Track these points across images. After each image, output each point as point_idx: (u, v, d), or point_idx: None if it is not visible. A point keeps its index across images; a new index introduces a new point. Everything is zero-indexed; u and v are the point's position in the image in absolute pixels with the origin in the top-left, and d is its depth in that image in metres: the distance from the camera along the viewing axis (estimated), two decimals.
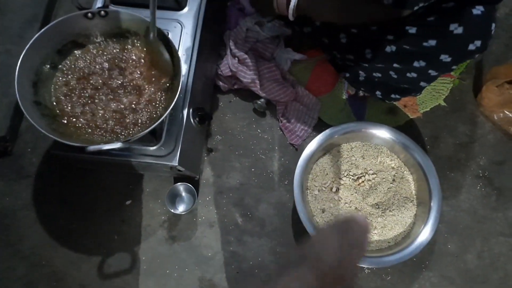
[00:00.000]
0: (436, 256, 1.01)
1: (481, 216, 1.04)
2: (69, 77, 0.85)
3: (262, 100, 1.11)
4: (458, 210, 1.05)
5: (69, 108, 0.83)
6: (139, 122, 0.84)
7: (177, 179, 1.04)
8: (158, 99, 0.86)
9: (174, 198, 1.00)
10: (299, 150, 1.09)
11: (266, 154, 1.10)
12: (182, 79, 0.82)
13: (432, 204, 0.95)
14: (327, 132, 1.01)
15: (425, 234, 0.92)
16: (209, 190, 1.05)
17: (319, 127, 1.09)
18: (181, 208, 1.00)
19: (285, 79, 1.13)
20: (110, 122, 0.83)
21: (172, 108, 0.79)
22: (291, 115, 1.12)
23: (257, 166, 1.08)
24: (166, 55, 0.84)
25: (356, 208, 1.00)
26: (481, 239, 1.02)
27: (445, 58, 0.80)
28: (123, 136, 0.81)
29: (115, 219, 1.03)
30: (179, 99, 0.93)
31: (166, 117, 0.84)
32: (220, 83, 1.13)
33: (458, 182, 1.08)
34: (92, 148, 0.72)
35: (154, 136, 0.90)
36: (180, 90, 0.81)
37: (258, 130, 1.12)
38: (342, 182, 1.02)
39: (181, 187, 0.99)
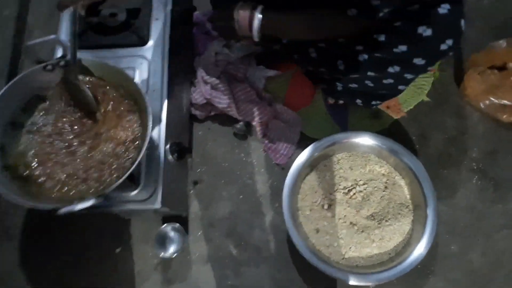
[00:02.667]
0: (439, 260, 0.99)
1: (480, 211, 1.02)
2: (36, 136, 0.83)
3: (241, 123, 1.10)
4: (456, 208, 1.03)
5: (40, 167, 0.81)
6: (114, 170, 0.82)
7: (166, 218, 1.02)
8: (131, 142, 0.84)
9: (163, 239, 0.98)
10: (286, 169, 1.07)
11: (252, 178, 1.08)
12: (151, 116, 0.79)
13: (428, 210, 0.93)
14: (310, 147, 1.00)
15: (422, 245, 0.90)
16: (199, 224, 1.04)
17: (303, 142, 1.08)
18: (171, 249, 0.98)
19: (261, 98, 1.12)
20: (83, 175, 0.81)
21: (147, 148, 0.77)
22: (273, 134, 1.10)
23: (245, 192, 1.07)
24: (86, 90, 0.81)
25: (351, 222, 0.98)
26: (483, 235, 1.00)
27: (418, 61, 0.79)
28: (98, 189, 0.79)
29: (107, 267, 1.01)
30: (153, 138, 0.91)
31: (141, 159, 0.82)
32: (196, 112, 1.11)
33: (452, 179, 1.06)
34: (63, 211, 0.70)
35: (132, 181, 0.88)
36: (154, 127, 0.79)
37: (242, 154, 1.10)
38: (333, 197, 1.00)
39: (168, 227, 0.97)
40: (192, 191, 1.07)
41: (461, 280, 0.97)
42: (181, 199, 1.03)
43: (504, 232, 1.00)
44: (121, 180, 0.74)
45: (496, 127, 1.11)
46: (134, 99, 0.85)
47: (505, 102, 1.10)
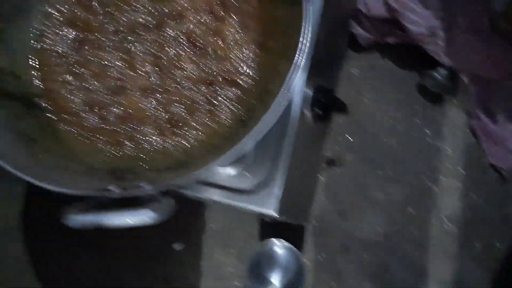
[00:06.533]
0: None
1: None
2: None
3: (443, 70, 0.58)
4: None
5: (68, 91, 0.38)
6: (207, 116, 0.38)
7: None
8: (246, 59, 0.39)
9: (261, 265, 0.54)
10: (509, 179, 0.57)
11: (436, 180, 0.59)
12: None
13: None
14: None
15: None
16: (326, 241, 0.59)
17: None
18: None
19: (496, 31, 0.58)
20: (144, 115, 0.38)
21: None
22: (499, 108, 0.58)
23: (418, 203, 0.59)
24: None
25: None
26: None
27: None
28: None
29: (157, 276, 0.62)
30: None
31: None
32: (360, 30, 0.61)
33: None
34: (71, 218, 0.28)
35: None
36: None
37: (426, 131, 0.61)
38: None
39: (276, 248, 0.53)
40: (322, 178, 0.61)
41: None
42: (306, 199, 0.58)
43: None
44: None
45: None
46: None
47: None
